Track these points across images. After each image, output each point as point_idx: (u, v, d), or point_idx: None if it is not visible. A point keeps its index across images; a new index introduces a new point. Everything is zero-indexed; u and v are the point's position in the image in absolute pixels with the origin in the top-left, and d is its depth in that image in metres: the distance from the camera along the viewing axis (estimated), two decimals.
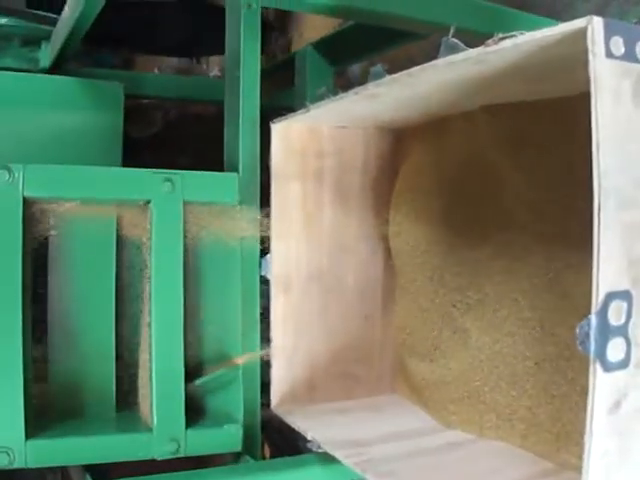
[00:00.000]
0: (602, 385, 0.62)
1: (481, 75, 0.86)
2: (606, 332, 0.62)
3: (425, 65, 0.84)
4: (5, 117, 1.58)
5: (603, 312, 0.61)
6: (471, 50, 0.77)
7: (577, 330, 0.62)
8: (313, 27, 2.49)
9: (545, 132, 1.02)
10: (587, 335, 0.61)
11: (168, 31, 2.25)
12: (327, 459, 1.09)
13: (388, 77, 0.91)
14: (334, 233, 1.29)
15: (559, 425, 0.99)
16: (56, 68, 1.69)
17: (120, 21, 2.11)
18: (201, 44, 2.29)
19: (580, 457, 0.64)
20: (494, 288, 1.11)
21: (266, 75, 1.30)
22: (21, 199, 1.08)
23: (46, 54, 1.67)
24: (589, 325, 0.61)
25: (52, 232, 1.17)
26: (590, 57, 0.62)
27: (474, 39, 0.77)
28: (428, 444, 1.10)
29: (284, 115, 1.23)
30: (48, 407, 1.17)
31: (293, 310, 1.26)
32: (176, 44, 2.35)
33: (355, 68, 2.13)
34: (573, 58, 0.66)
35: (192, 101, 2.19)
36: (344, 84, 1.02)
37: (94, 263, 1.20)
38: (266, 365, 1.27)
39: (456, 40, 0.85)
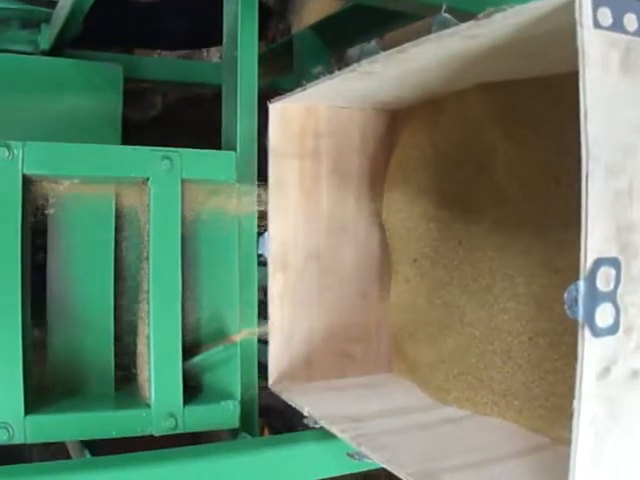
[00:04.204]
0: (591, 350, 0.63)
1: (473, 51, 0.86)
2: (594, 297, 0.62)
3: (417, 40, 0.84)
4: (5, 99, 1.58)
5: (591, 278, 0.62)
6: (462, 24, 0.77)
7: (565, 295, 0.62)
8: (312, 12, 2.49)
9: (538, 109, 1.02)
10: (575, 300, 0.62)
11: (171, 26, 2.25)
12: (323, 435, 1.10)
13: (382, 53, 0.92)
14: (332, 212, 1.29)
15: (553, 399, 1.00)
16: (56, 50, 1.69)
17: (122, 20, 2.12)
18: (204, 37, 2.29)
19: None
20: (488, 264, 1.11)
21: (265, 59, 1.31)
22: (20, 177, 1.09)
23: (46, 36, 1.67)
24: (577, 290, 0.62)
25: (51, 210, 1.18)
26: (578, 28, 0.63)
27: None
28: (424, 420, 1.11)
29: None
30: (47, 383, 1.19)
31: (290, 288, 1.26)
32: (179, 38, 2.35)
33: (353, 51, 2.13)
34: (563, 33, 0.66)
35: (192, 85, 2.19)
36: (342, 67, 1.03)
37: (93, 241, 1.21)
38: (265, 347, 1.27)
39: (448, 15, 0.85)
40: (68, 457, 1.36)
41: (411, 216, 1.26)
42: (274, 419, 1.77)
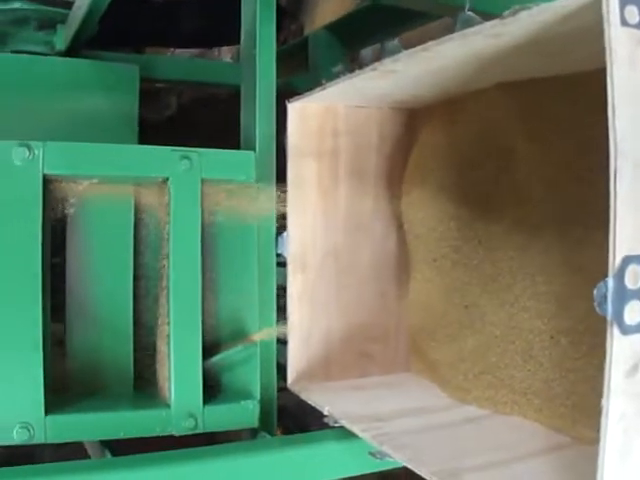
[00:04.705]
0: (620, 348, 0.63)
1: (496, 49, 0.86)
2: (623, 295, 0.62)
3: (441, 39, 0.84)
4: (22, 100, 1.59)
5: (620, 275, 0.62)
6: (487, 22, 0.77)
7: (595, 292, 0.62)
8: (326, 13, 2.49)
9: (559, 108, 1.02)
10: (604, 297, 0.62)
11: (185, 25, 2.24)
12: (343, 434, 1.10)
13: (405, 52, 0.92)
14: (350, 211, 1.30)
15: (574, 398, 1.00)
16: (72, 51, 1.69)
17: (137, 20, 2.12)
18: (218, 35, 2.29)
19: (595, 429, 0.64)
20: (509, 263, 1.11)
21: (280, 58, 1.31)
22: (41, 176, 1.08)
23: (62, 37, 1.67)
24: (606, 287, 0.62)
25: (71, 210, 1.18)
26: (605, 26, 0.63)
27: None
28: (444, 419, 1.11)
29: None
30: (67, 383, 1.19)
31: (309, 288, 1.27)
32: (193, 37, 2.34)
33: (366, 52, 2.13)
34: (589, 31, 0.67)
35: (206, 84, 2.19)
36: (357, 68, 1.03)
37: (112, 241, 1.21)
38: (283, 347, 1.28)
39: (471, 13, 0.85)
40: (80, 459, 1.36)
41: (430, 216, 1.26)
42: (287, 420, 1.77)
